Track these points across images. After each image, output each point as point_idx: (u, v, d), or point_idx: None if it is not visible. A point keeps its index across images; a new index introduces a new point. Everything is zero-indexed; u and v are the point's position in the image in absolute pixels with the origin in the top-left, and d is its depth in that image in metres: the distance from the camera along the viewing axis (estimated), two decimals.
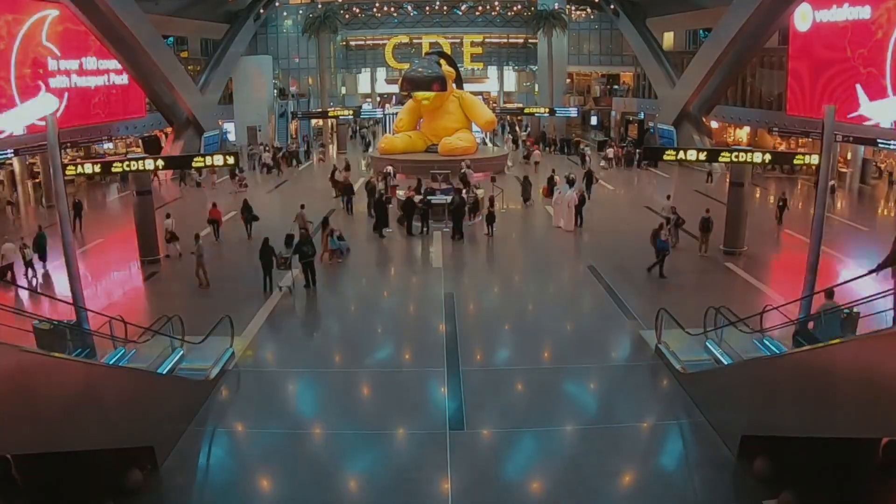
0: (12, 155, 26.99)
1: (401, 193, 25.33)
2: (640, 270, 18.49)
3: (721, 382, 11.04)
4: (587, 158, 37.49)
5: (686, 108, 37.67)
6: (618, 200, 29.95)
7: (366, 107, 54.37)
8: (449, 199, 23.48)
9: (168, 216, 21.22)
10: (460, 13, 55.82)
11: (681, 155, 19.94)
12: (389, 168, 30.47)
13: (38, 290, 17.96)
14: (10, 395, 5.96)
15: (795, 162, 20.67)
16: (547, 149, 45.64)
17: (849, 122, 27.64)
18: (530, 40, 55.56)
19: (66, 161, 17.96)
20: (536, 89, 56.29)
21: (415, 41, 55.19)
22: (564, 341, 14.76)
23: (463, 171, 29.40)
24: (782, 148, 35.27)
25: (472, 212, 24.58)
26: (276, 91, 49.51)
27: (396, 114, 42.89)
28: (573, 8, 52.05)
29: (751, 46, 32.61)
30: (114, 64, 33.41)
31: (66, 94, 30.93)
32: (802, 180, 33.38)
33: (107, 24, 28.68)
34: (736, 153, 19.09)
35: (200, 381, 11.86)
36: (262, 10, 47.90)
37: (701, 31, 42.52)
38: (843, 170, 32.39)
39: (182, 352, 12.90)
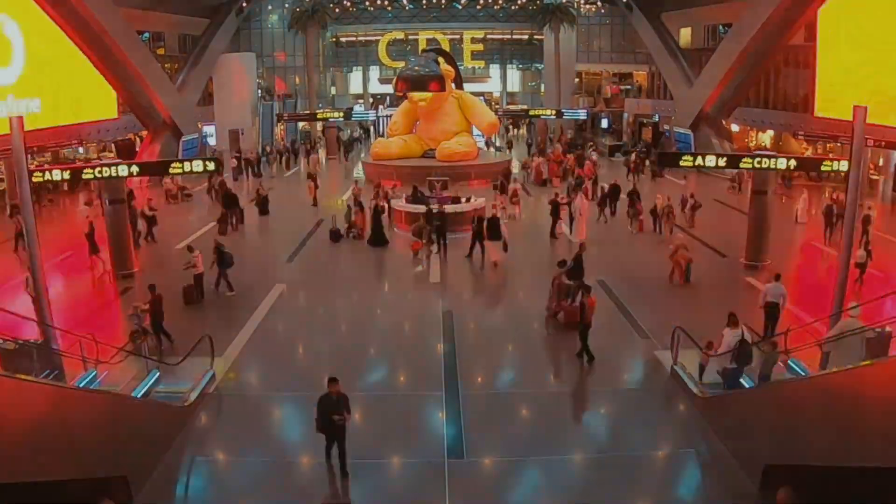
0: None
1: (396, 202, 25.44)
2: (653, 285, 18.58)
3: (742, 407, 11.09)
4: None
5: (704, 110, 37.93)
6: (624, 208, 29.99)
7: (357, 108, 54.63)
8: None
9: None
10: (460, 7, 56.27)
11: (699, 160, 20.12)
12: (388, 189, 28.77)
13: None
14: None
15: (823, 168, 20.82)
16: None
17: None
18: (536, 36, 56.03)
19: (31, 167, 18.04)
20: (542, 89, 56.67)
21: (411, 37, 55.63)
22: (572, 362, 14.78)
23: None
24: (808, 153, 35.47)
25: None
26: (259, 91, 49.79)
27: (391, 116, 43.13)
28: (582, 1, 52.40)
29: (774, 43, 32.88)
30: None
31: None
32: (829, 188, 33.48)
33: (76, 17, 28.87)
34: (758, 159, 19.24)
35: (178, 405, 11.89)
36: (244, 4, 48.26)
37: (720, 27, 42.88)
38: (875, 177, 32.55)
39: (158, 374, 12.95)
